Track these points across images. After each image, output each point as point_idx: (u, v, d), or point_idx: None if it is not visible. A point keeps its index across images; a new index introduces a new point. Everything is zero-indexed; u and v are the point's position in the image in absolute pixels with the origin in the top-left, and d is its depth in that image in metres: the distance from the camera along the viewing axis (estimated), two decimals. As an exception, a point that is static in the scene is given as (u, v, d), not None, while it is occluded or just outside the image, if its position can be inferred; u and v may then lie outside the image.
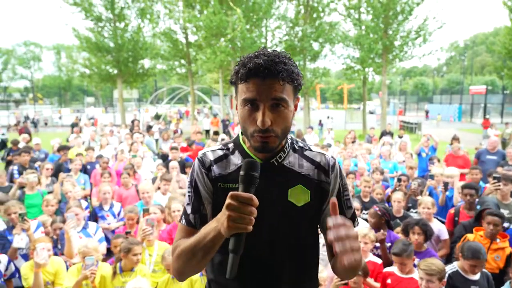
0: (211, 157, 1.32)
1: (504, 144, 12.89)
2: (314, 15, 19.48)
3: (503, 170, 5.89)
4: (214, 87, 33.14)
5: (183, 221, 1.30)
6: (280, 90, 1.13)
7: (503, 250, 3.32)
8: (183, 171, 6.63)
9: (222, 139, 12.33)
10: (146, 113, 25.17)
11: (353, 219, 1.37)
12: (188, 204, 1.30)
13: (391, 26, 17.64)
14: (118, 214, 4.90)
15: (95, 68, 21.16)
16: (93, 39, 19.43)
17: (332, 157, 1.36)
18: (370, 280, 2.90)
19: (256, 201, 1.01)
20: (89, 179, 6.33)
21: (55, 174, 5.97)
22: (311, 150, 1.35)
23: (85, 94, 61.97)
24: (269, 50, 1.18)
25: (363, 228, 3.25)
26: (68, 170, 6.56)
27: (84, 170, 6.56)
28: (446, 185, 4.85)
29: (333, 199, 1.07)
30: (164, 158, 9.01)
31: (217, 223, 1.06)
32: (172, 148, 7.47)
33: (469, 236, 3.46)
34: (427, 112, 35.48)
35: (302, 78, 1.22)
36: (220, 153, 1.33)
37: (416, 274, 2.89)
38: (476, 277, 2.80)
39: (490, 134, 12.98)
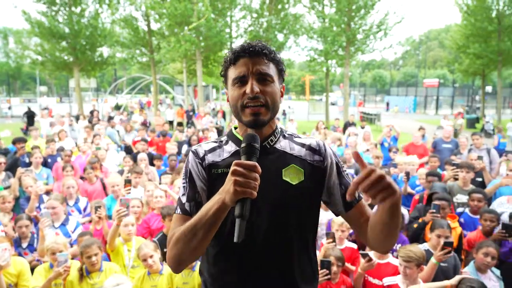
0: (205, 147, 1.37)
1: (456, 133, 13.76)
2: (279, 7, 19.52)
3: (457, 158, 6.31)
4: (177, 77, 32.43)
5: (178, 210, 1.31)
6: (266, 66, 1.26)
7: (455, 230, 3.56)
8: (151, 163, 6.47)
9: (189, 127, 12.15)
10: (105, 104, 24.15)
11: (360, 198, 1.39)
12: (183, 195, 1.32)
13: (354, 19, 18.08)
14: (84, 210, 4.70)
15: (48, 55, 19.83)
16: (46, 24, 18.18)
17: (320, 140, 1.42)
18: (347, 265, 3.00)
19: (259, 168, 1.05)
20: (51, 173, 5.99)
21: (11, 169, 5.59)
22: (300, 137, 1.43)
23: (36, 82, 58.28)
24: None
25: (339, 217, 3.33)
26: (26, 164, 6.18)
27: (45, 163, 6.20)
28: (407, 173, 5.11)
29: (355, 151, 1.10)
30: (128, 150, 8.72)
31: (221, 195, 1.09)
32: (141, 140, 7.27)
33: (425, 218, 3.69)
34: (387, 103, 36.99)
35: (283, 65, 1.34)
36: (214, 144, 1.38)
37: (391, 259, 3.04)
38: None
39: (443, 124, 13.78)
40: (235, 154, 1.31)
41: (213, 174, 1.30)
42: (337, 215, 1.41)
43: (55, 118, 12.63)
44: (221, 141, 1.39)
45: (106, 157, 6.73)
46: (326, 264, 2.73)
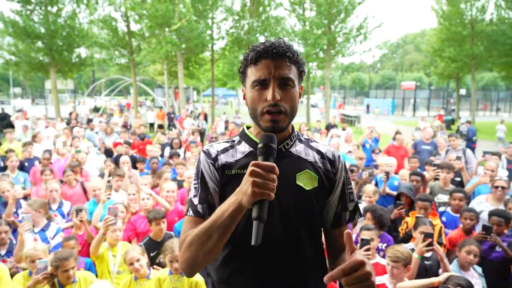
0: (217, 147, 1.34)
1: (434, 135, 14.13)
2: (260, 9, 19.60)
3: (436, 159, 6.48)
4: (157, 78, 32.03)
5: (190, 212, 1.27)
6: (288, 69, 1.22)
7: (435, 227, 3.65)
8: (134, 166, 6.35)
9: (170, 130, 12.01)
10: (83, 106, 23.58)
11: (355, 211, 1.41)
12: (195, 196, 1.28)
13: (334, 23, 18.36)
14: (68, 214, 4.56)
15: (23, 56, 19.19)
16: (21, 23, 17.59)
17: (335, 150, 1.41)
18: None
19: (277, 169, 1.03)
20: (28, 177, 5.78)
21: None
22: (317, 142, 1.41)
23: (10, 84, 56.29)
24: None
25: None
26: (1, 168, 5.95)
27: (21, 167, 5.98)
28: (387, 174, 5.20)
29: (347, 231, 1.06)
30: (108, 153, 8.52)
31: (237, 196, 1.06)
32: (124, 143, 7.12)
33: (408, 219, 3.78)
34: (368, 106, 37.70)
35: (304, 66, 1.31)
36: (226, 145, 1.35)
37: (379, 259, 3.08)
38: (428, 254, 3.06)
39: (421, 126, 14.14)
40: (249, 155, 1.29)
41: (227, 175, 1.27)
42: (320, 227, 1.39)
43: (31, 121, 12.23)
44: (233, 141, 1.36)
45: (86, 160, 6.56)
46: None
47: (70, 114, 15.42)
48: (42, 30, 18.16)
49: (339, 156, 1.38)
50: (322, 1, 17.44)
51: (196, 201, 1.27)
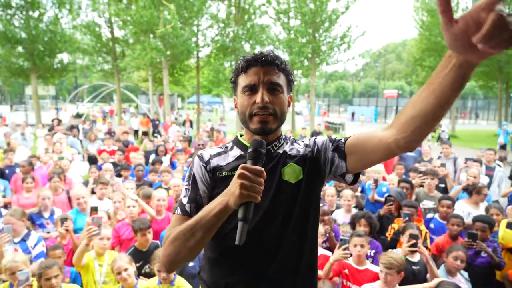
0: (210, 152, 1.40)
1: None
2: (245, 17, 19.72)
3: (421, 166, 6.61)
4: (141, 85, 31.71)
5: (178, 211, 1.30)
6: (276, 76, 1.29)
7: (421, 231, 3.73)
8: (118, 174, 6.23)
9: (155, 137, 11.87)
10: (65, 112, 23.10)
11: (346, 139, 1.35)
12: (184, 196, 1.33)
13: (319, 31, 18.62)
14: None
15: (2, 61, 18.72)
16: (1, 28, 17.18)
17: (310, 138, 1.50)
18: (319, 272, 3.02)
19: (265, 174, 1.07)
20: (8, 185, 5.60)
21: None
22: (302, 141, 1.48)
23: (-12, 89, 54.79)
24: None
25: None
26: (-21, 176, 5.75)
27: (1, 175, 5.79)
28: (376, 181, 5.26)
29: None
30: (92, 160, 8.35)
31: (224, 197, 1.09)
32: (118, 149, 7.01)
33: (394, 225, 3.84)
34: (353, 113, 38.24)
35: (293, 76, 1.38)
36: (219, 150, 1.42)
37: (369, 265, 3.10)
38: (416, 259, 3.10)
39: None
40: (240, 158, 1.35)
41: (217, 177, 1.32)
42: (347, 172, 1.31)
43: (10, 127, 11.90)
44: (227, 147, 1.43)
45: (69, 168, 6.40)
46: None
47: (53, 120, 15.06)
48: (23, 35, 17.77)
49: (314, 139, 1.43)
50: (306, 10, 17.68)
51: (185, 200, 1.31)
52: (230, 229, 1.23)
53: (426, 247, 3.47)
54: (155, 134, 13.98)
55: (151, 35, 16.46)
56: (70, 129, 11.25)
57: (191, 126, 17.01)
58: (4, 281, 2.98)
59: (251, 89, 1.28)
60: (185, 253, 1.17)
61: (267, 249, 1.27)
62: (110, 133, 11.82)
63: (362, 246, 3.02)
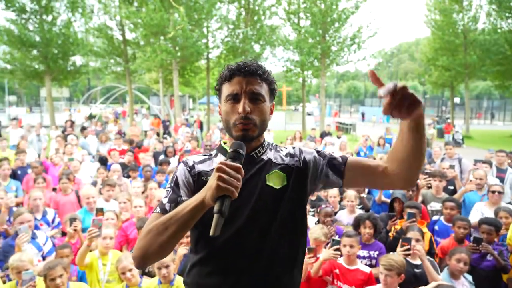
0: (194, 159, 1.44)
1: (427, 143, 14.25)
2: (255, 18, 19.76)
3: (430, 167, 6.52)
4: (153, 86, 32.04)
5: (157, 209, 1.32)
6: (258, 86, 1.33)
7: (425, 235, 3.67)
8: (127, 175, 6.32)
9: (164, 138, 11.99)
10: (78, 114, 23.50)
11: (341, 157, 1.43)
12: (165, 197, 1.35)
13: (329, 32, 18.53)
14: (53, 221, 4.53)
15: (18, 64, 19.17)
16: (16, 32, 17.60)
17: (295, 147, 1.53)
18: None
19: (242, 171, 1.10)
20: (20, 185, 5.74)
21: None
22: (284, 148, 1.52)
23: (5, 92, 56.05)
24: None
25: (315, 230, 3.37)
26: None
27: (14, 175, 5.93)
28: None
29: (370, 71, 1.13)
30: (102, 161, 8.49)
31: (202, 193, 1.12)
32: (128, 150, 7.10)
33: (397, 226, 3.80)
34: (363, 114, 37.89)
35: (275, 85, 1.43)
36: (204, 157, 1.46)
37: (360, 265, 3.11)
38: (419, 261, 3.07)
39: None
40: None
41: (202, 181, 1.33)
42: (341, 187, 1.47)
43: (25, 128, 12.16)
44: (211, 155, 1.46)
45: (79, 168, 6.52)
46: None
47: (66, 122, 15.34)
48: (37, 38, 18.18)
49: (299, 148, 1.48)
50: (316, 11, 17.62)
51: (165, 200, 1.33)
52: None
53: (433, 253, 3.44)
54: (165, 135, 14.11)
55: (162, 37, 16.64)
56: (82, 131, 11.44)
57: (201, 127, 17.10)
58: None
59: (234, 98, 1.31)
60: (156, 247, 1.17)
61: (250, 252, 1.29)
62: (120, 133, 12.00)
63: (351, 246, 3.04)
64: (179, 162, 7.67)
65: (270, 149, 1.46)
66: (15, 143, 10.78)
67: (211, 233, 1.05)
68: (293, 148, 1.49)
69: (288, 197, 1.35)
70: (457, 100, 38.83)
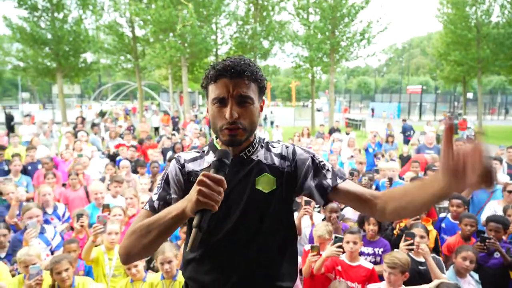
0: (186, 156, 1.42)
1: (439, 139, 14.05)
2: (264, 14, 19.68)
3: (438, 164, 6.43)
4: (162, 83, 32.23)
5: (146, 206, 1.34)
6: (246, 88, 1.27)
7: (430, 233, 3.63)
8: (134, 170, 6.39)
9: (173, 134, 12.06)
10: (89, 110, 23.79)
11: (335, 175, 1.38)
12: (155, 194, 1.36)
13: (338, 27, 18.36)
14: (63, 216, 4.62)
15: (30, 61, 19.48)
16: (28, 30, 17.88)
17: (291, 144, 1.47)
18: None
19: (225, 183, 1.08)
20: (31, 181, 5.85)
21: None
22: (276, 144, 1.47)
23: (18, 89, 57.02)
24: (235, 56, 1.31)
25: (320, 226, 3.36)
26: (5, 172, 6.02)
27: (24, 171, 6.05)
28: (390, 179, 5.17)
29: (448, 123, 0.98)
30: (112, 157, 8.59)
31: (183, 203, 1.12)
32: (130, 146, 7.15)
33: (401, 224, 3.77)
34: (372, 110, 37.56)
35: (265, 81, 1.37)
36: (196, 154, 1.43)
37: (362, 261, 3.10)
38: (423, 258, 3.04)
39: (427, 130, 14.07)
40: None
41: (191, 182, 1.31)
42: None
43: (37, 125, 12.37)
44: (203, 151, 1.43)
45: (89, 164, 6.62)
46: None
47: (77, 118, 15.55)
48: (49, 36, 18.42)
49: (293, 150, 1.42)
50: (325, 6, 17.46)
51: (154, 197, 1.34)
52: (209, 235, 1.28)
53: (438, 251, 3.40)
54: (173, 132, 14.19)
55: (171, 34, 16.71)
56: (92, 127, 11.58)
57: (209, 124, 17.16)
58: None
59: (220, 102, 1.26)
60: (139, 249, 1.20)
61: (242, 250, 1.31)
62: (130, 129, 12.11)
63: (355, 243, 3.04)
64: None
65: (262, 146, 1.43)
66: (27, 140, 11.01)
67: (187, 249, 1.06)
68: (287, 148, 1.43)
69: (277, 200, 1.35)
70: (470, 95, 38.18)
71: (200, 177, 1.06)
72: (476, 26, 21.61)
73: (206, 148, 1.45)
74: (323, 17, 18.04)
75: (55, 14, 18.46)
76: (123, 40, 19.44)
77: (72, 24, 18.85)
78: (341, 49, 18.64)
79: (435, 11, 23.28)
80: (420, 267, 2.97)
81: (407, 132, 13.75)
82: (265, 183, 1.33)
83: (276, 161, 1.39)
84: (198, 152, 1.44)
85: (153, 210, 1.30)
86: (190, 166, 1.38)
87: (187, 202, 1.09)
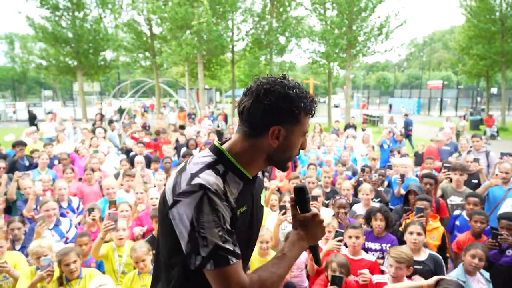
0: (221, 187, 1.17)
1: (458, 135, 13.69)
2: (281, 9, 19.57)
3: (456, 159, 6.28)
4: (180, 80, 32.56)
5: (233, 260, 1.12)
6: None
7: (437, 230, 3.60)
8: (148, 166, 6.51)
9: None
10: (109, 107, 24.29)
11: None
12: (225, 241, 1.12)
13: (355, 22, 18.07)
14: (77, 209, 4.77)
15: (52, 60, 20.06)
16: (50, 29, 18.40)
17: None
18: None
19: None
20: (56, 175, 6.06)
21: (10, 172, 5.65)
22: None
23: (42, 87, 58.73)
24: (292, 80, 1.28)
25: (327, 217, 3.37)
26: (25, 167, 6.23)
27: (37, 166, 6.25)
28: (402, 176, 5.08)
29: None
30: (128, 153, 8.77)
31: (304, 242, 1.29)
32: (138, 142, 7.28)
33: (408, 221, 3.70)
34: (390, 105, 36.89)
35: None
36: (220, 180, 1.18)
37: (364, 255, 3.08)
38: (422, 257, 3.00)
39: (446, 126, 13.73)
40: (244, 191, 1.26)
41: (236, 216, 1.21)
42: None
43: (57, 122, 12.74)
44: (218, 171, 1.21)
45: (104, 160, 6.77)
46: (338, 280, 2.64)
47: (96, 115, 15.93)
48: (70, 34, 18.90)
49: None
50: (342, 1, 17.22)
51: (230, 246, 1.13)
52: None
53: (445, 249, 3.35)
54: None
55: (187, 31, 16.85)
56: (109, 124, 11.84)
57: (226, 120, 17.23)
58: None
59: (304, 134, 1.31)
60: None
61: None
62: (145, 127, 12.32)
63: (357, 237, 3.03)
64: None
65: None
66: (49, 136, 11.38)
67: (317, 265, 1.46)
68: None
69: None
70: (494, 90, 36.90)
71: (319, 217, 1.30)
72: (501, 18, 20.86)
73: (220, 167, 1.22)
74: (340, 12, 17.80)
75: (76, 13, 18.92)
76: (141, 38, 19.72)
77: (92, 22, 19.28)
78: (358, 44, 18.35)
79: (458, 4, 22.60)
80: (417, 267, 2.92)
81: (409, 127, 14.39)
82: (262, 197, 1.44)
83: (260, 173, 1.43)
84: (216, 174, 1.19)
85: (240, 257, 1.15)
86: (231, 200, 1.19)
87: (312, 238, 1.30)
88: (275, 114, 1.19)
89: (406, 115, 16.38)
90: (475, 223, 3.39)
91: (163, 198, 1.22)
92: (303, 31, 19.41)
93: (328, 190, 5.07)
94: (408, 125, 14.36)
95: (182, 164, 1.31)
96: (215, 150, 1.27)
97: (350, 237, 3.03)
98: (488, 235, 3.33)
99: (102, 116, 15.33)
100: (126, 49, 20.63)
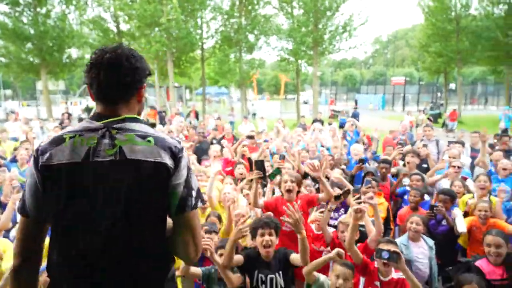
0: None
1: (417, 126, 14.66)
2: (249, 8, 19.90)
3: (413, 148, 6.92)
4: (149, 78, 32.17)
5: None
6: None
7: (382, 204, 4.16)
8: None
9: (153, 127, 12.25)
10: (75, 106, 23.73)
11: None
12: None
13: (321, 20, 18.71)
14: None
15: (13, 57, 19.34)
16: (10, 25, 17.73)
17: None
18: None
19: None
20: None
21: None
22: None
23: (0, 86, 55.82)
24: None
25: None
26: None
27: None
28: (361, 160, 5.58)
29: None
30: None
31: None
32: None
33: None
34: (356, 101, 38.20)
35: None
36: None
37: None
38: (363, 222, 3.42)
39: (406, 119, 14.62)
40: None
41: None
42: None
43: (22, 121, 12.44)
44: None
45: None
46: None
47: (63, 114, 15.60)
48: (32, 31, 18.29)
49: None
50: (308, 0, 17.78)
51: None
52: None
53: (389, 221, 3.83)
54: (161, 125, 14.36)
55: (156, 29, 16.83)
56: (79, 122, 11.73)
57: (197, 117, 17.38)
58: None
59: None
60: None
61: None
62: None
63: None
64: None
65: None
66: (14, 136, 11.12)
67: None
68: None
69: None
70: (452, 86, 39.05)
71: None
72: (456, 18, 22.23)
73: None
74: (306, 10, 18.37)
75: (38, 9, 18.33)
76: (108, 35, 19.44)
77: (56, 19, 18.74)
78: (324, 42, 19.01)
79: (417, 4, 23.85)
80: (362, 229, 3.29)
81: (356, 119, 15.04)
82: None
83: None
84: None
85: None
86: None
87: None
88: None
89: (355, 108, 17.32)
90: (411, 197, 3.96)
91: (157, 169, 1.30)
92: (271, 29, 19.85)
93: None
94: (355, 116, 14.97)
95: (144, 142, 1.33)
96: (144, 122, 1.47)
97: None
98: (427, 209, 3.84)
99: (69, 115, 15.07)
100: (92, 47, 20.23)
